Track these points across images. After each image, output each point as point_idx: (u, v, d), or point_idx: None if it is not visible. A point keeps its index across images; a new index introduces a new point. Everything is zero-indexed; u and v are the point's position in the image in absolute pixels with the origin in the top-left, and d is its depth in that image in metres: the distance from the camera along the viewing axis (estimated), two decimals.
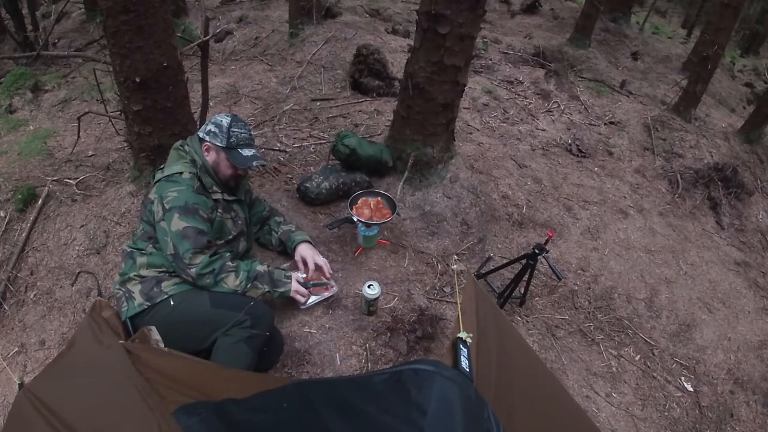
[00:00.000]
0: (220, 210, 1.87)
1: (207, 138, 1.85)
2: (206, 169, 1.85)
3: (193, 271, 1.68)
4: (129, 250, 1.85)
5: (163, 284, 1.73)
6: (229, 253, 1.84)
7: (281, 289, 1.84)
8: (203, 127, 1.90)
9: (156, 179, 1.85)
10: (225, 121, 1.85)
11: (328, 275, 2.07)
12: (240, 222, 1.98)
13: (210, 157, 1.87)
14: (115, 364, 1.18)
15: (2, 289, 2.36)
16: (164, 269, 1.77)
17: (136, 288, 1.73)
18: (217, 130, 1.84)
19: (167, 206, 1.71)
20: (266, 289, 1.80)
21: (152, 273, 1.76)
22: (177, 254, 1.69)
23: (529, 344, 2.31)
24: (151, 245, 1.81)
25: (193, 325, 1.67)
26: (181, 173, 1.79)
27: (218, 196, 1.87)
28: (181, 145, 1.90)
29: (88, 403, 1.14)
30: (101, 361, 1.27)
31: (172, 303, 1.69)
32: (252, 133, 1.93)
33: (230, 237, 1.92)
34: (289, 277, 1.89)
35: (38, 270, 2.42)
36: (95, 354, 1.34)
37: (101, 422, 1.08)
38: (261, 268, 1.83)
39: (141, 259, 1.79)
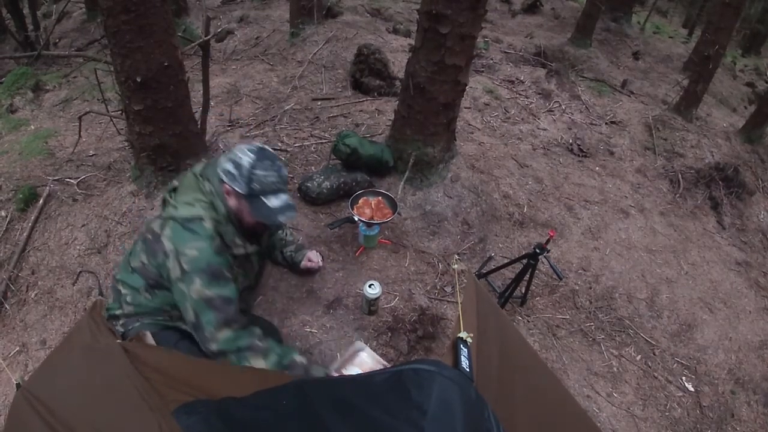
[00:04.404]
0: (236, 266, 1.55)
1: (225, 179, 1.44)
2: (229, 218, 1.50)
3: (214, 346, 1.43)
4: (117, 286, 1.59)
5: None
6: (259, 329, 1.54)
7: None
8: (221, 161, 1.47)
9: (168, 212, 1.49)
10: (246, 160, 1.42)
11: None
12: (251, 274, 1.70)
13: (232, 203, 1.48)
14: (114, 363, 1.18)
15: (3, 289, 2.36)
16: (148, 312, 1.56)
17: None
18: (236, 173, 1.42)
19: (186, 267, 1.41)
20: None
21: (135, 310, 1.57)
22: (199, 324, 1.43)
23: (530, 344, 2.31)
24: (147, 293, 1.54)
25: None
26: (202, 220, 1.45)
27: (241, 251, 1.54)
28: (201, 175, 1.52)
29: (88, 403, 1.14)
30: (100, 361, 1.27)
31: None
32: (283, 171, 1.49)
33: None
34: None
35: (39, 269, 2.42)
36: (94, 353, 1.34)
37: (101, 422, 1.08)
38: (298, 358, 1.51)
39: (128, 308, 1.56)
